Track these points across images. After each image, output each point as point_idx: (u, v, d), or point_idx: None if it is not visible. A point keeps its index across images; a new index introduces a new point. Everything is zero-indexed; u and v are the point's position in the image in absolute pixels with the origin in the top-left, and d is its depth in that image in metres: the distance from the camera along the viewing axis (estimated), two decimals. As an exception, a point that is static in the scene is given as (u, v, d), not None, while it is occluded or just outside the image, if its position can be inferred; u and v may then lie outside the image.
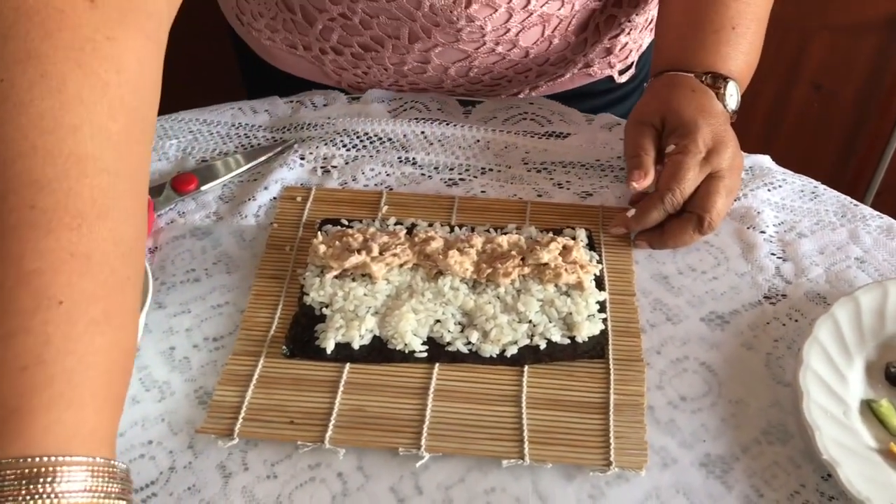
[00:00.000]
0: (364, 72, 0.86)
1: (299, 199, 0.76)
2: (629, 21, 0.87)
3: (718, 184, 0.69)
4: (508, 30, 0.80)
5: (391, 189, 0.77)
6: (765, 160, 0.79)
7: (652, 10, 0.89)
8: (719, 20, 0.74)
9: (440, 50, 0.82)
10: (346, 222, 0.73)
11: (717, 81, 0.73)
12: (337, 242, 0.69)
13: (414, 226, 0.73)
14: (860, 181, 1.47)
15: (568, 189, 0.77)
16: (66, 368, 0.43)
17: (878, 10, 1.28)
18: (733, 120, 0.74)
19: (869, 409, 0.60)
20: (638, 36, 0.91)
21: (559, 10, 0.80)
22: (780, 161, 0.80)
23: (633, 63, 0.94)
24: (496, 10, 0.77)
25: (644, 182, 0.70)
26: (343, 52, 0.85)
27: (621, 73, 0.93)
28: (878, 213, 0.75)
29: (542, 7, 0.78)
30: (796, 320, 0.67)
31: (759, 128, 1.38)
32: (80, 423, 0.43)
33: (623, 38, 0.89)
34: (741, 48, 0.74)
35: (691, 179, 0.69)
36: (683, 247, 0.71)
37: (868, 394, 0.61)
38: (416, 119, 0.83)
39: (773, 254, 0.71)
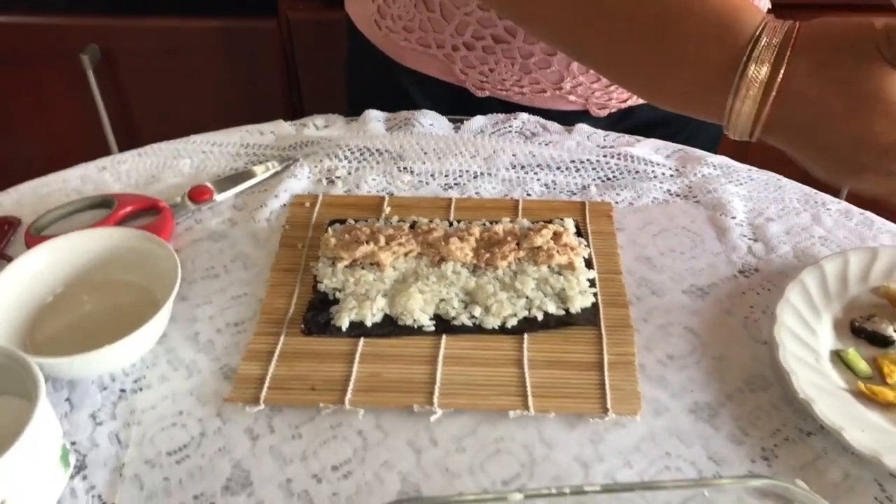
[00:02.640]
0: (490, 69, 0.92)
1: (308, 204, 0.82)
2: None
3: None
4: None
5: (392, 195, 0.83)
6: (729, 160, 0.86)
7: None
8: None
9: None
10: (353, 221, 0.79)
11: None
12: (346, 235, 0.75)
13: (415, 222, 0.79)
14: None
15: (554, 188, 0.84)
16: None
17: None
18: None
19: (838, 358, 0.66)
20: None
21: None
22: (759, 153, 0.85)
23: None
24: None
25: None
26: (475, 47, 0.91)
27: None
28: (836, 199, 0.82)
29: None
30: (769, 290, 0.73)
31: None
32: None
33: None
34: None
35: None
36: None
37: (836, 345, 0.67)
38: (411, 132, 0.90)
39: (744, 235, 0.78)
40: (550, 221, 0.78)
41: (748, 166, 0.86)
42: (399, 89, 0.99)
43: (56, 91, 1.49)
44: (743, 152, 0.93)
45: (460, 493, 0.57)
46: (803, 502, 0.52)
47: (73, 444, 0.62)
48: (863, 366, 0.65)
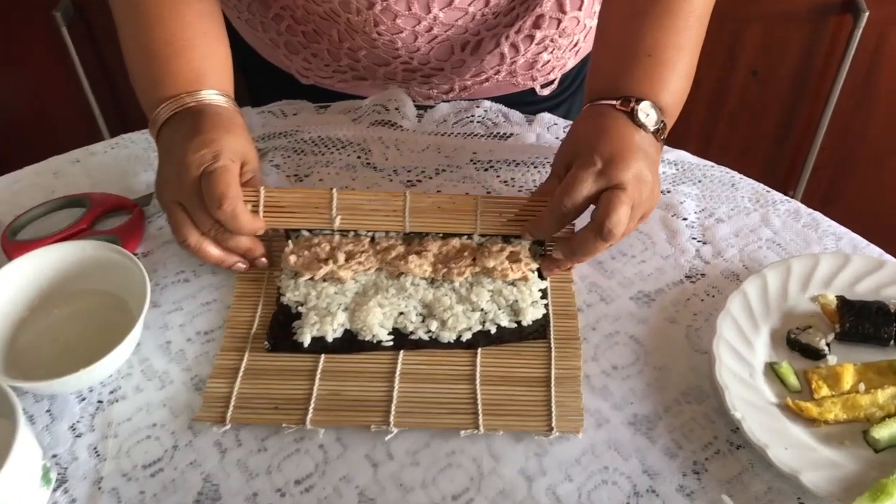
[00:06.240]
0: (313, 54, 0.96)
1: (251, 206, 0.76)
2: (552, 41, 0.95)
3: (620, 194, 0.69)
4: (419, 48, 0.89)
5: (345, 187, 0.85)
6: (686, 156, 0.88)
7: (577, 35, 0.97)
8: (643, 48, 0.76)
9: (365, 52, 0.92)
10: (306, 233, 0.78)
11: (629, 103, 0.74)
12: (306, 252, 0.76)
13: (374, 236, 0.78)
14: (797, 158, 1.58)
15: (513, 186, 0.86)
16: None
17: (802, 2, 1.38)
18: (659, 139, 0.75)
19: (771, 370, 0.70)
20: (561, 55, 0.99)
21: (464, 34, 0.89)
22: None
23: (555, 79, 1.02)
24: (402, 32, 0.86)
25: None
26: (296, 34, 0.95)
27: (543, 86, 1.02)
28: (787, 197, 0.85)
29: (445, 33, 0.88)
30: (713, 296, 0.77)
31: (702, 113, 1.47)
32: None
33: (545, 56, 0.98)
34: (661, 73, 0.76)
35: (580, 189, 0.70)
36: (591, 256, 0.74)
37: (771, 357, 0.71)
38: (375, 123, 0.92)
39: (693, 238, 0.81)
40: (508, 241, 0.77)
41: (706, 162, 0.88)
42: (238, 66, 0.89)
43: (31, 47, 1.49)
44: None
45: (410, 516, 0.62)
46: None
47: (54, 456, 0.67)
48: (793, 380, 0.69)
